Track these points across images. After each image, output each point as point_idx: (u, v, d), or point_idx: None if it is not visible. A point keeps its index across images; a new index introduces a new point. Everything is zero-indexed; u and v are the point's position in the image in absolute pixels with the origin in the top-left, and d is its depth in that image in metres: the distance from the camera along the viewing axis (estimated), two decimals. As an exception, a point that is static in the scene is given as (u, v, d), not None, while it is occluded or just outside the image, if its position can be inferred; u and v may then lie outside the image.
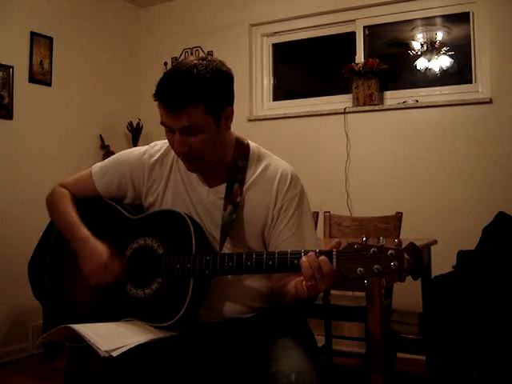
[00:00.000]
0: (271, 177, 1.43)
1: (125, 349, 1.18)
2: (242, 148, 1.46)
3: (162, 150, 1.50)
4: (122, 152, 1.58)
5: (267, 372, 1.24)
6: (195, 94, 1.27)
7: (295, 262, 1.22)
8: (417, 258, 1.14)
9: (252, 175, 1.44)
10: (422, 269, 1.19)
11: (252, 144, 1.49)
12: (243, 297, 1.44)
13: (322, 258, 1.19)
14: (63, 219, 1.51)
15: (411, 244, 1.16)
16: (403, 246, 1.16)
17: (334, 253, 1.19)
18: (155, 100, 1.32)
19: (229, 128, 1.41)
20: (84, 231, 1.45)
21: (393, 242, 1.16)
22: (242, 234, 1.42)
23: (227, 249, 1.41)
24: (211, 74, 1.30)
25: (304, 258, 1.20)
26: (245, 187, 1.42)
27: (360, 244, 1.17)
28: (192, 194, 1.45)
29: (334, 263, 1.18)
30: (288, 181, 1.42)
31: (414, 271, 1.15)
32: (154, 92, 1.32)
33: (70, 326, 1.26)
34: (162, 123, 1.34)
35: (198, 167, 1.41)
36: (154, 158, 1.49)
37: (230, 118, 1.39)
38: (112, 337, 1.22)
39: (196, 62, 1.31)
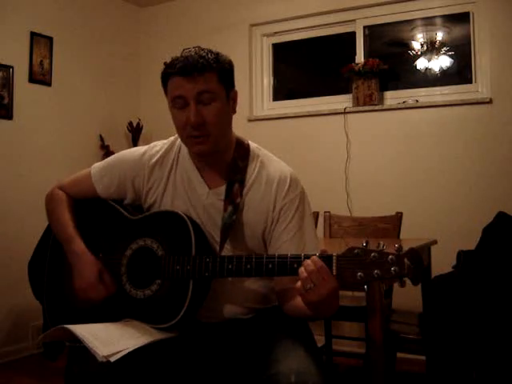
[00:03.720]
0: (270, 179, 1.42)
1: (123, 353, 1.18)
2: (243, 148, 1.46)
3: (161, 151, 1.50)
4: (122, 152, 1.57)
5: (267, 373, 1.24)
6: (210, 63, 1.34)
7: (295, 265, 1.21)
8: (417, 263, 1.14)
9: (251, 176, 1.43)
10: (422, 274, 1.18)
11: (252, 144, 1.49)
12: (243, 297, 1.43)
13: (313, 258, 1.19)
14: (60, 230, 1.51)
15: (411, 249, 1.15)
16: (403, 250, 1.15)
17: (334, 257, 1.19)
18: (166, 75, 1.36)
19: (235, 111, 1.44)
20: (79, 245, 1.45)
21: (393, 246, 1.16)
22: (241, 236, 1.42)
23: (227, 250, 1.40)
24: (216, 54, 1.38)
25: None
26: (245, 189, 1.41)
27: (360, 248, 1.17)
28: (192, 195, 1.45)
29: (334, 268, 1.18)
30: (287, 184, 1.42)
31: (414, 277, 1.14)
32: (161, 76, 1.38)
33: (68, 326, 1.26)
34: (174, 98, 1.35)
35: (207, 148, 1.37)
36: (154, 159, 1.49)
37: (235, 100, 1.43)
38: (110, 339, 1.22)
39: (198, 48, 1.39)
